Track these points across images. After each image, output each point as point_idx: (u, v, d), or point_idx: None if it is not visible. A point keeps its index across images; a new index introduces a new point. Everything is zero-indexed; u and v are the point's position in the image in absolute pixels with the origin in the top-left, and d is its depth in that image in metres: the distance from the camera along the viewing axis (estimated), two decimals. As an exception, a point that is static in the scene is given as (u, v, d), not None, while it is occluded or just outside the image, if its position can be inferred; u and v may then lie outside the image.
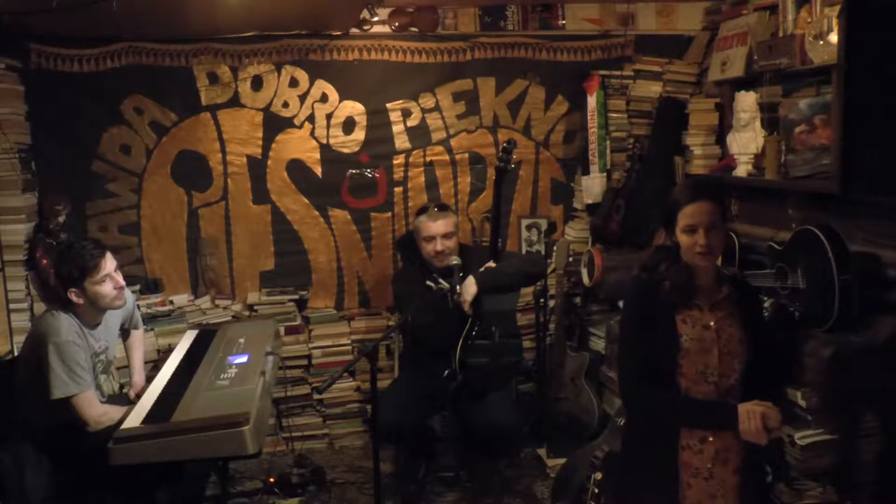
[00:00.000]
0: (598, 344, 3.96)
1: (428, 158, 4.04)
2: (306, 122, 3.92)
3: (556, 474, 3.20)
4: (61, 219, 3.55)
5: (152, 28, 3.56)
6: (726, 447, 2.09)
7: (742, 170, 3.32)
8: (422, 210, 3.44)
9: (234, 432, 2.36)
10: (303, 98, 3.89)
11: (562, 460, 3.34)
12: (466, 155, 4.07)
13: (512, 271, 3.26)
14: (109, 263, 2.80)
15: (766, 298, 2.81)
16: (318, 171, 3.96)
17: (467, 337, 3.10)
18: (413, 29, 3.90)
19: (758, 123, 3.24)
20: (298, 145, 3.93)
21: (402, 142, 4.00)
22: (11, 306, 3.42)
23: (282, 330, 3.81)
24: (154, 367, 3.49)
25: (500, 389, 3.31)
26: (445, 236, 3.28)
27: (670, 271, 2.12)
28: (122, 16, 2.96)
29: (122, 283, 2.86)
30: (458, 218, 4.05)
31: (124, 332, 3.22)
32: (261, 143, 3.90)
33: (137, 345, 3.28)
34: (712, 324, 2.09)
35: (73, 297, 2.75)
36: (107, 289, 2.78)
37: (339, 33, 3.84)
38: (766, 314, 2.74)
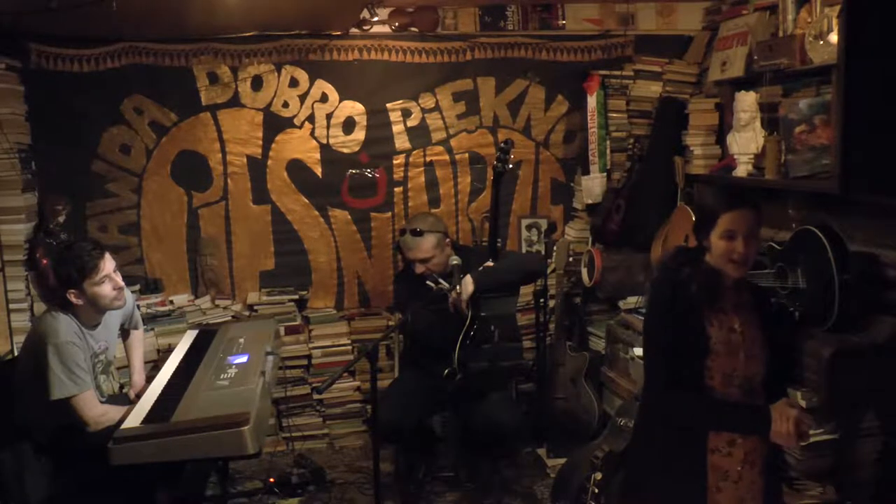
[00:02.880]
0: (598, 344, 3.96)
1: (428, 158, 4.04)
2: (306, 122, 3.91)
3: (556, 474, 3.19)
4: (61, 219, 3.55)
5: (152, 28, 3.56)
6: (754, 448, 2.08)
7: (742, 170, 3.32)
8: (403, 231, 3.42)
9: (234, 432, 2.36)
10: (303, 98, 3.89)
11: (562, 460, 3.34)
12: (466, 155, 4.07)
13: (509, 270, 3.26)
14: (108, 264, 2.79)
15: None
16: (318, 171, 3.96)
17: (465, 336, 3.10)
18: (413, 29, 3.90)
19: (758, 123, 3.24)
20: (298, 145, 3.93)
21: (402, 142, 4.00)
22: (11, 306, 3.42)
23: (282, 330, 3.81)
24: (154, 367, 3.48)
25: (500, 390, 3.31)
26: (423, 261, 3.29)
27: (697, 273, 2.09)
28: (122, 16, 2.96)
29: (122, 283, 2.86)
30: (458, 217, 4.07)
31: (124, 333, 3.22)
32: (261, 143, 3.90)
33: (137, 345, 3.27)
34: (737, 326, 2.08)
35: (73, 298, 2.74)
36: (106, 290, 2.77)
37: (339, 33, 3.84)
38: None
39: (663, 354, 2.11)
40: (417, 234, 3.28)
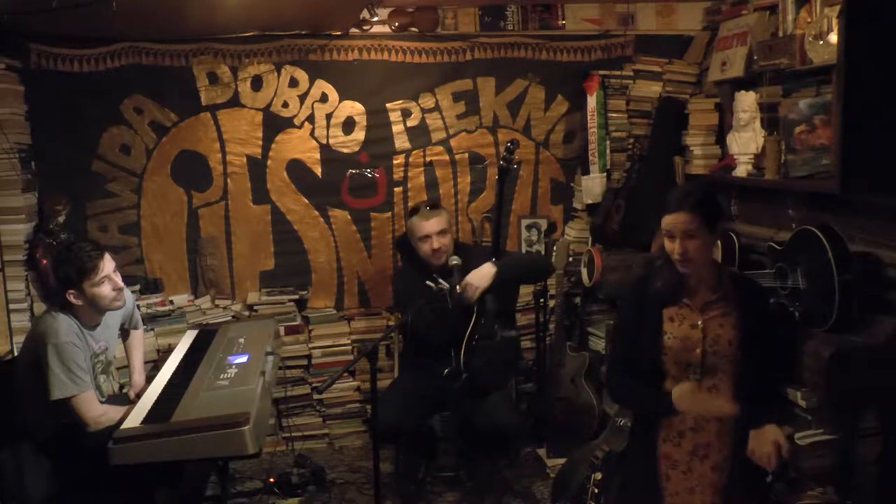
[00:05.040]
0: (598, 344, 3.96)
1: (428, 158, 4.04)
2: (306, 122, 3.91)
3: (556, 474, 3.20)
4: (61, 219, 3.55)
5: (152, 28, 3.56)
6: (706, 443, 2.16)
7: (742, 170, 3.32)
8: (413, 211, 3.42)
9: (234, 432, 2.36)
10: (303, 98, 3.89)
11: (562, 460, 3.34)
12: (466, 155, 4.07)
13: (527, 262, 3.35)
14: (108, 265, 2.79)
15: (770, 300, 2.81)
16: (318, 171, 3.96)
17: (472, 334, 3.09)
18: (413, 29, 3.90)
19: (758, 123, 3.24)
20: (298, 145, 3.93)
21: (402, 142, 4.00)
22: (11, 306, 3.42)
23: (282, 330, 3.81)
24: (154, 367, 3.48)
25: (501, 388, 3.31)
26: (440, 234, 3.27)
27: (662, 271, 2.20)
28: (122, 16, 2.96)
29: (121, 284, 2.86)
30: (458, 217, 4.07)
31: (124, 332, 3.22)
32: (261, 143, 3.90)
33: (137, 345, 3.27)
34: (700, 323, 2.14)
35: (72, 299, 2.74)
36: (105, 290, 2.77)
37: (339, 33, 3.84)
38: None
39: (621, 345, 2.31)
40: (435, 206, 3.35)
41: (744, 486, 2.16)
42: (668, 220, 2.13)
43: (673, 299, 2.18)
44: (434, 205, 3.39)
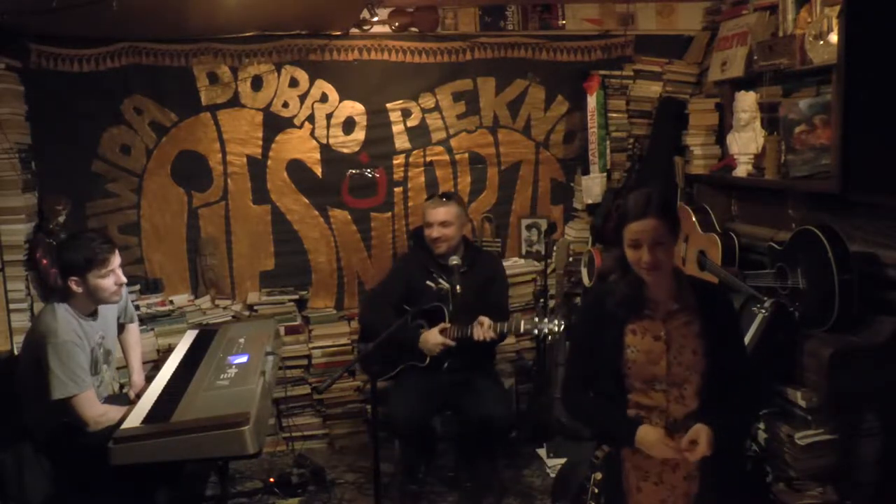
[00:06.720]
0: (598, 344, 3.95)
1: (428, 158, 4.04)
2: (306, 122, 3.92)
3: (556, 474, 3.19)
4: (61, 219, 3.55)
5: (152, 28, 3.56)
6: None
7: (742, 170, 3.32)
8: (430, 197, 3.58)
9: (234, 432, 2.36)
10: (303, 98, 3.89)
11: (562, 460, 3.34)
12: (466, 155, 4.07)
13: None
14: (116, 259, 2.82)
15: (765, 299, 2.80)
16: (318, 171, 3.96)
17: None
18: (413, 29, 3.90)
19: (758, 123, 3.24)
20: (298, 145, 3.93)
21: (402, 142, 4.00)
22: (11, 306, 3.42)
23: (282, 330, 3.81)
24: (154, 367, 3.48)
25: (488, 378, 3.37)
26: (442, 224, 3.36)
27: (622, 281, 2.13)
28: (122, 16, 2.96)
29: (124, 279, 2.88)
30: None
31: (119, 326, 3.22)
32: (261, 143, 3.90)
33: (134, 344, 3.27)
34: (663, 334, 2.08)
35: (73, 286, 2.74)
36: (108, 283, 2.78)
37: (339, 33, 3.84)
38: (765, 313, 2.73)
39: (578, 358, 2.22)
40: (448, 196, 3.47)
41: (715, 494, 2.10)
42: (634, 229, 2.03)
43: (634, 312, 2.10)
44: (449, 196, 3.50)
